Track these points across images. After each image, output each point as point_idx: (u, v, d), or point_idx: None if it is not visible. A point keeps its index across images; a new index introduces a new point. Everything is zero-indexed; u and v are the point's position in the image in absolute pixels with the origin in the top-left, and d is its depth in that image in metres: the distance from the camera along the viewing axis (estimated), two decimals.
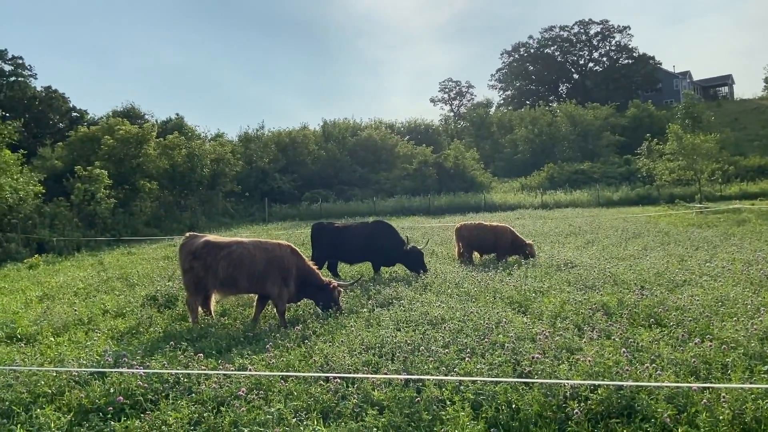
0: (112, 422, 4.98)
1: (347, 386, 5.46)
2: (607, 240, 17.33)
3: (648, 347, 6.34)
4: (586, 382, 5.06)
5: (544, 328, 7.08)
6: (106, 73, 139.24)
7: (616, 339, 6.62)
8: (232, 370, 5.84)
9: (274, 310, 9.09)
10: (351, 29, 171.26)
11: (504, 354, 6.08)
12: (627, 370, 5.39)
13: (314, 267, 9.48)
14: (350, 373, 5.80)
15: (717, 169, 31.83)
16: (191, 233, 9.53)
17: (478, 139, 64.30)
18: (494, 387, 5.20)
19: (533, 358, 5.78)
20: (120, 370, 5.94)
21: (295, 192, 44.84)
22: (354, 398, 5.20)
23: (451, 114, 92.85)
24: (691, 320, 7.39)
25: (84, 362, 6.46)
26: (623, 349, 5.99)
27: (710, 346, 6.16)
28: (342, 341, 6.90)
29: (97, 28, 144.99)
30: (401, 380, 5.44)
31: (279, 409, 4.74)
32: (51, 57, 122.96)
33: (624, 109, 63.08)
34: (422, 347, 6.45)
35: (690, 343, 6.39)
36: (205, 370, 5.94)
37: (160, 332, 8.26)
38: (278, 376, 5.58)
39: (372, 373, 5.78)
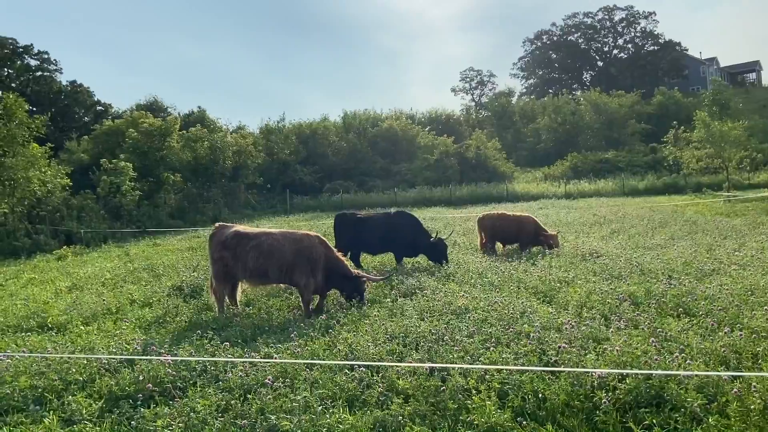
0: (142, 409, 5.07)
1: (372, 375, 5.47)
2: (633, 229, 17.07)
3: (676, 337, 6.24)
4: (614, 371, 5.00)
5: (569, 318, 7.01)
6: (129, 67, 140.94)
7: (644, 329, 6.52)
8: (258, 359, 5.90)
9: (299, 300, 9.14)
10: (369, 20, 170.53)
11: (529, 343, 6.03)
12: (656, 359, 5.31)
13: (342, 257, 9.52)
14: (375, 362, 5.81)
15: (745, 157, 31.14)
16: (221, 223, 9.65)
17: (500, 128, 63.65)
18: (520, 376, 5.17)
19: (559, 347, 5.73)
20: (149, 357, 6.04)
21: (317, 184, 45.00)
22: (379, 387, 5.22)
23: (473, 103, 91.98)
24: (720, 309, 7.24)
25: (114, 350, 6.59)
26: (651, 339, 5.90)
27: (740, 335, 6.05)
28: (366, 330, 6.92)
29: (120, 23, 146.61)
30: (426, 369, 5.44)
31: (305, 396, 4.78)
32: (75, 52, 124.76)
33: (649, 96, 61.87)
34: (446, 337, 6.44)
35: (719, 333, 6.27)
36: (231, 358, 6.00)
37: (186, 322, 8.38)
38: (303, 365, 5.63)
39: (396, 362, 5.78)
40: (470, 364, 5.61)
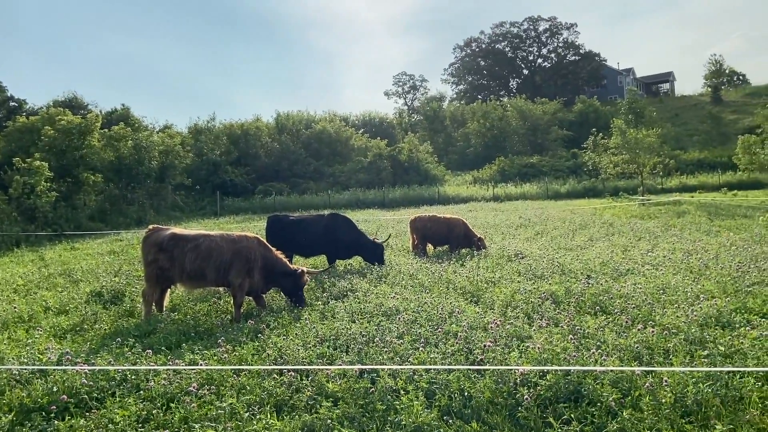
0: (56, 421, 4.81)
1: (301, 379, 5.43)
2: (555, 231, 17.79)
3: (594, 334, 6.56)
4: (536, 368, 5.19)
5: (495, 317, 7.21)
6: (47, 61, 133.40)
7: (564, 326, 6.82)
8: (182, 366, 5.72)
9: (228, 304, 8.96)
10: (305, 20, 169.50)
11: (457, 343, 6.17)
12: (574, 356, 5.56)
13: (281, 256, 9.49)
14: (304, 365, 5.77)
15: (658, 163, 33.09)
16: (155, 226, 9.43)
17: (431, 132, 64.77)
18: (447, 375, 5.28)
19: (485, 346, 5.89)
20: (63, 367, 5.73)
21: (248, 185, 44.19)
22: (308, 391, 5.19)
23: (405, 107, 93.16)
24: (634, 307, 7.68)
25: (25, 360, 6.20)
26: (570, 336, 6.18)
27: (652, 332, 6.41)
28: (296, 334, 6.86)
29: (38, 14, 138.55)
30: (356, 372, 5.45)
31: (231, 403, 4.68)
32: None
33: (571, 104, 64.83)
34: (377, 338, 6.48)
35: (633, 330, 6.64)
36: (153, 366, 5.79)
37: (105, 329, 8.01)
38: (230, 371, 5.51)
39: (326, 366, 5.77)
40: (399, 365, 5.67)
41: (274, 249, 9.56)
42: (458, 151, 58.37)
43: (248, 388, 5.20)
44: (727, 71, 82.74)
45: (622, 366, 5.53)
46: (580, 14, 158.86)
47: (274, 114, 56.69)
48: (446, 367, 5.34)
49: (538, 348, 5.69)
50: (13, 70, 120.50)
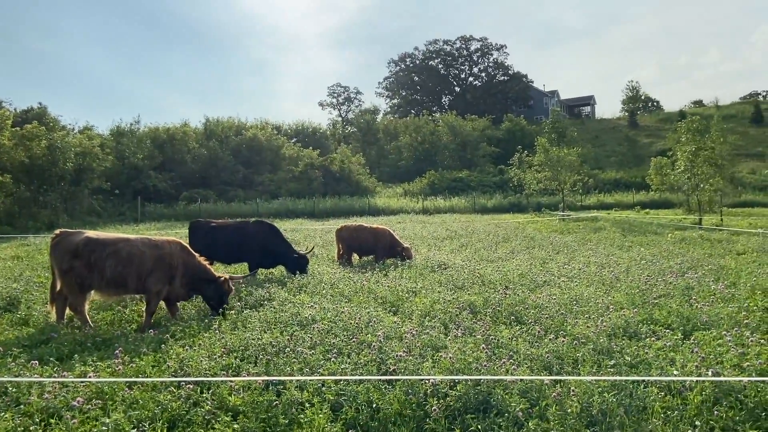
0: None
1: (201, 392, 5.10)
2: (480, 244, 18.08)
3: (507, 344, 6.57)
4: (445, 377, 5.11)
5: (412, 327, 7.12)
6: None
7: (479, 336, 6.81)
8: (70, 378, 5.25)
9: (138, 312, 8.43)
10: (238, 28, 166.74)
11: (370, 353, 6.01)
12: (485, 365, 5.52)
13: (205, 262, 9.07)
14: (206, 377, 5.44)
15: (578, 181, 34.49)
16: (63, 230, 8.67)
17: (364, 144, 65.02)
18: (356, 387, 5.10)
19: (397, 356, 5.77)
20: None
21: (172, 191, 42.61)
22: (207, 404, 4.87)
23: (339, 119, 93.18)
24: (547, 318, 7.80)
25: None
26: (482, 345, 6.16)
27: (563, 341, 6.51)
28: (201, 345, 6.48)
29: None
30: (260, 384, 5.18)
31: (116, 419, 4.30)
32: None
33: (499, 122, 66.86)
34: (288, 349, 6.23)
35: (545, 339, 6.72)
36: (35, 378, 5.28)
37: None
38: (123, 384, 5.10)
39: (230, 377, 5.47)
40: (309, 374, 5.45)
41: (197, 255, 9.13)
42: (390, 163, 58.81)
43: (140, 402, 4.81)
44: (642, 97, 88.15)
45: (531, 375, 5.55)
46: (509, 36, 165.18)
47: (203, 119, 54.94)
48: (351, 377, 5.16)
49: (450, 358, 5.62)
50: None
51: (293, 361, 5.84)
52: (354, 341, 6.50)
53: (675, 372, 5.56)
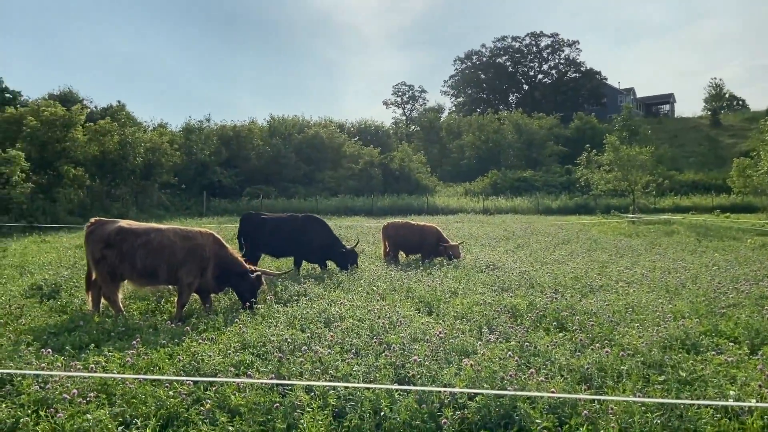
0: None
1: (205, 389, 4.84)
2: (537, 245, 17.25)
3: (544, 352, 5.98)
4: (455, 389, 4.61)
5: (441, 329, 6.63)
6: (49, 57, 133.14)
7: (513, 342, 6.24)
8: (79, 370, 5.12)
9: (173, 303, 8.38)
10: (308, 29, 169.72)
11: (389, 356, 5.58)
12: (512, 376, 4.97)
13: (237, 255, 8.97)
14: (215, 375, 5.19)
15: (651, 182, 32.63)
16: (98, 219, 8.72)
17: (427, 143, 64.41)
18: (365, 392, 4.70)
19: (417, 361, 5.30)
20: None
21: (237, 187, 43.65)
22: (208, 403, 4.60)
23: (403, 117, 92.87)
24: (595, 325, 7.11)
25: None
26: (509, 353, 5.57)
27: (608, 352, 5.85)
28: (216, 339, 6.24)
29: (41, 9, 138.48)
30: (267, 383, 4.87)
31: (98, 416, 4.07)
32: None
33: (569, 120, 64.48)
34: (304, 347, 5.90)
35: (588, 349, 6.08)
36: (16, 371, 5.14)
37: (26, 325, 7.37)
38: (112, 379, 4.90)
39: (242, 375, 5.20)
40: (319, 376, 5.10)
41: (230, 247, 9.01)
42: (452, 162, 57.96)
43: (140, 396, 4.60)
44: (726, 95, 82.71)
45: (566, 389, 4.96)
46: (583, 33, 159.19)
47: (268, 117, 55.97)
48: (343, 384, 4.74)
49: (471, 365, 5.10)
50: (12, 62, 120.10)
51: (308, 360, 5.50)
52: (375, 342, 6.09)
53: (732, 392, 4.82)
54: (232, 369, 5.31)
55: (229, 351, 5.84)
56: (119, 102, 48.19)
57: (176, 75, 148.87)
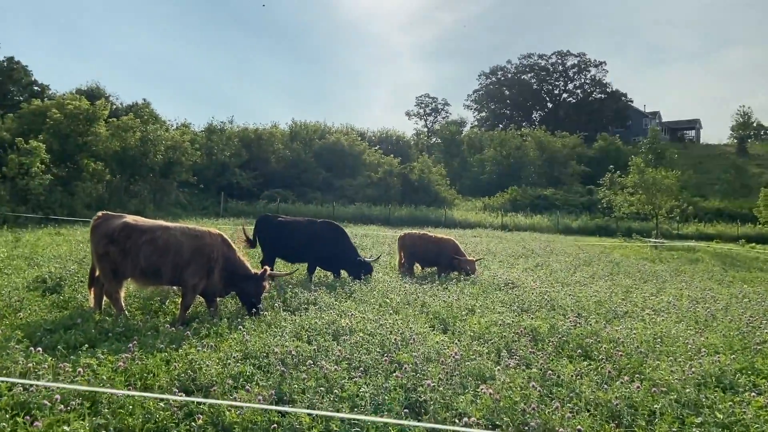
0: None
1: (198, 403, 4.46)
2: (557, 265, 16.70)
3: (569, 382, 5.52)
4: (465, 430, 4.16)
5: (457, 350, 6.19)
6: (79, 52, 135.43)
7: (535, 369, 5.77)
8: (67, 372, 4.76)
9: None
10: (335, 38, 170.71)
11: (401, 377, 5.15)
12: (534, 408, 4.52)
13: (243, 258, 8.59)
14: (211, 386, 4.81)
15: (675, 207, 31.82)
16: (105, 212, 8.39)
17: (447, 155, 63.91)
18: (376, 415, 4.28)
19: (430, 385, 4.86)
20: None
21: (255, 189, 43.55)
22: (201, 418, 4.21)
23: (425, 129, 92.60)
24: (623, 355, 6.61)
25: None
26: (533, 384, 5.10)
27: (638, 387, 5.37)
28: (212, 345, 5.86)
29: (72, 5, 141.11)
30: (267, 398, 4.48)
31: (78, 427, 3.70)
32: (20, 30, 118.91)
33: (592, 141, 63.64)
34: (309, 361, 5.49)
35: (617, 382, 5.59)
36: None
37: (22, 319, 7.07)
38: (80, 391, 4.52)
39: (240, 388, 4.81)
40: (323, 395, 4.68)
41: (237, 249, 8.66)
42: (472, 176, 57.36)
43: (126, 407, 4.23)
44: (754, 124, 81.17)
45: (593, 426, 4.51)
46: (610, 54, 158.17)
47: (289, 122, 55.99)
48: (345, 415, 4.31)
49: (493, 394, 4.65)
50: (42, 56, 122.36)
51: (311, 375, 5.10)
52: (386, 360, 5.67)
53: None
54: (230, 381, 4.92)
55: (228, 360, 5.46)
56: (144, 100, 48.61)
57: (203, 76, 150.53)
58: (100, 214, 8.33)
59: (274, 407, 4.21)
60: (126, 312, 7.81)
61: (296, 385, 4.85)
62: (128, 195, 32.48)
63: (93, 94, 46.48)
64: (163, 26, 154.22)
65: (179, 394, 4.44)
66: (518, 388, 4.93)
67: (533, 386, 5.00)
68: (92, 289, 8.08)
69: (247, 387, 4.73)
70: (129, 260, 7.78)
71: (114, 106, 48.10)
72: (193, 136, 42.07)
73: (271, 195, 42.21)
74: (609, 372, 5.95)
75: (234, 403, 4.25)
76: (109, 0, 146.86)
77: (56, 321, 6.95)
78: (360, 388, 4.80)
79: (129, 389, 4.49)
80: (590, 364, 6.31)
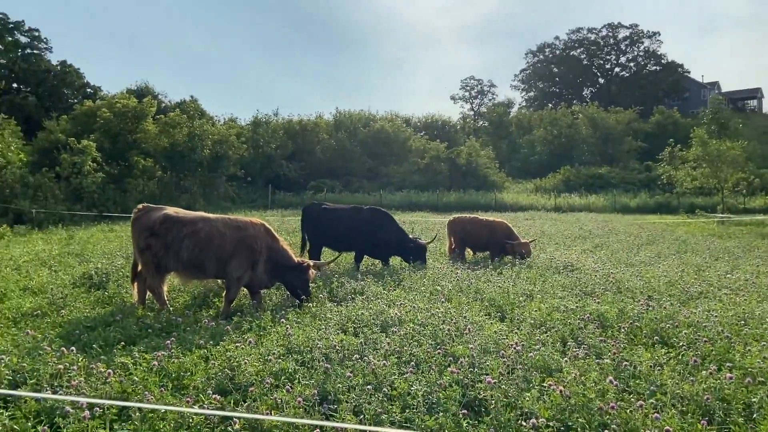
0: None
1: (235, 405, 4.08)
2: (618, 245, 15.75)
3: (647, 374, 4.88)
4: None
5: (518, 340, 5.62)
6: (129, 54, 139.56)
7: (607, 360, 5.15)
8: (99, 373, 4.47)
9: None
10: (374, 27, 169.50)
11: (456, 372, 4.64)
12: (612, 407, 3.93)
13: (287, 247, 8.26)
14: (250, 385, 4.43)
15: (742, 179, 29.86)
16: (145, 205, 8.20)
17: (495, 138, 62.43)
18: (431, 419, 3.79)
19: (489, 382, 4.32)
20: None
21: (301, 180, 43.75)
22: (237, 422, 3.82)
23: (471, 112, 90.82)
24: (706, 341, 5.89)
25: None
26: (610, 379, 4.45)
27: (730, 378, 4.68)
28: (250, 342, 5.47)
29: (122, 8, 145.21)
30: (316, 396, 4.06)
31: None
32: (72, 34, 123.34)
33: (648, 115, 60.82)
34: (356, 356, 5.05)
35: (702, 372, 4.91)
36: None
37: (63, 317, 6.90)
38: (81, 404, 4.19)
39: (282, 386, 4.42)
40: (371, 393, 4.22)
41: (281, 239, 8.32)
42: (522, 158, 55.79)
43: (158, 411, 3.88)
44: None
45: (683, 425, 3.89)
46: (664, 24, 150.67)
47: (333, 112, 55.92)
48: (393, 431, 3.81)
49: (563, 391, 4.08)
50: (95, 59, 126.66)
51: (357, 371, 4.65)
52: (439, 353, 5.16)
53: None
54: (271, 379, 4.52)
55: (270, 356, 5.07)
56: (192, 97, 49.47)
57: (248, 71, 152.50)
58: (140, 206, 8.13)
59: (314, 422, 3.77)
60: (169, 306, 7.59)
61: (341, 384, 4.40)
62: (179, 190, 33.02)
63: (142, 93, 47.58)
64: (209, 26, 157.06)
65: (214, 396, 4.06)
66: (592, 383, 4.34)
67: (611, 381, 4.37)
68: (135, 283, 7.90)
69: (288, 387, 4.31)
70: (171, 253, 7.55)
71: (163, 104, 49.22)
72: (240, 130, 42.46)
73: (318, 185, 42.26)
74: (692, 360, 5.26)
75: (269, 417, 3.81)
76: (156, 3, 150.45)
77: (97, 318, 6.76)
78: (411, 386, 4.31)
79: (162, 391, 4.15)
80: (669, 352, 5.63)
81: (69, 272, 10.02)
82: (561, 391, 4.07)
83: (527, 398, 4.15)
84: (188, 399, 4.04)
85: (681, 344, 5.84)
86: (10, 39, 53.97)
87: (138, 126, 30.07)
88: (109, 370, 4.42)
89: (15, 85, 54.31)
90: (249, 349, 5.22)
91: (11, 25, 54.02)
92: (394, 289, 8.55)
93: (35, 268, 10.84)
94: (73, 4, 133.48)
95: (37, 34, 55.87)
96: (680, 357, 5.45)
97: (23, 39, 55.01)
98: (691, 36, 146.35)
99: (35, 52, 55.72)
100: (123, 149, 29.59)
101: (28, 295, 8.32)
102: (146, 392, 4.09)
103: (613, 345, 5.66)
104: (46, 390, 4.11)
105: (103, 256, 12.27)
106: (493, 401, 4.11)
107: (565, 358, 5.17)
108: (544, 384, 4.53)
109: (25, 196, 22.37)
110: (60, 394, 4.00)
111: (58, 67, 56.04)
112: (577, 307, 7.29)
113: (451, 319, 6.35)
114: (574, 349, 5.44)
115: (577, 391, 4.13)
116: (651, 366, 5.07)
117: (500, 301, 7.77)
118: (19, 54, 54.70)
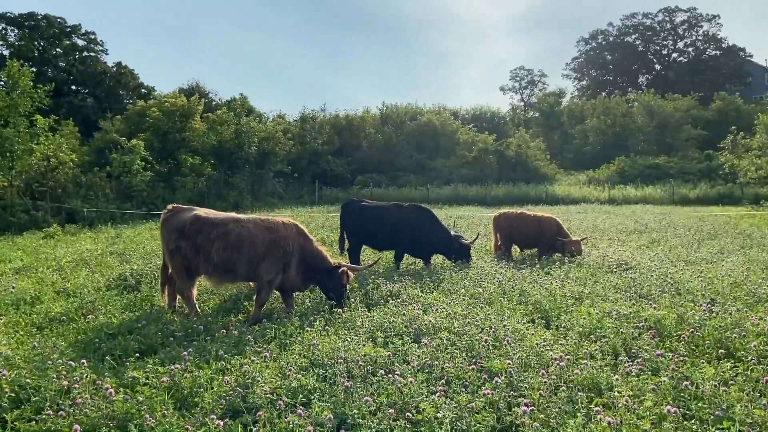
0: None
1: (254, 423, 3.74)
2: (677, 240, 14.75)
3: (713, 395, 4.27)
4: None
5: (563, 352, 5.08)
6: (182, 54, 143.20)
7: (665, 378, 4.55)
8: (105, 390, 4.22)
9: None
10: (424, 21, 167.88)
11: (490, 394, 4.15)
12: None
13: (322, 249, 7.94)
14: (264, 405, 4.08)
15: None
16: (175, 205, 8.02)
17: (546, 129, 60.70)
18: None
19: (524, 409, 3.80)
20: None
21: (348, 176, 43.68)
22: None
23: (521, 103, 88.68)
24: None
25: None
26: (668, 406, 3.86)
27: None
28: (266, 356, 5.08)
29: (175, 10, 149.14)
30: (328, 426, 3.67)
31: None
32: (126, 35, 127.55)
33: (708, 102, 57.77)
34: (382, 370, 4.64)
35: None
36: None
37: (88, 324, 6.74)
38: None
39: (301, 406, 4.05)
40: (394, 418, 3.81)
41: (315, 239, 7.99)
42: (574, 149, 54.02)
43: (167, 429, 3.58)
44: None
45: None
46: (723, 6, 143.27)
47: (380, 106, 55.46)
48: None
49: (610, 423, 3.54)
50: (148, 61, 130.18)
51: (381, 390, 4.24)
52: (474, 368, 4.69)
53: None
54: (286, 398, 4.16)
55: (289, 370, 4.71)
56: (241, 94, 50.13)
57: (298, 68, 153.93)
58: (170, 207, 7.94)
59: None
60: (198, 310, 7.38)
61: (361, 407, 3.99)
62: (227, 187, 33.43)
63: (193, 92, 48.54)
64: (261, 24, 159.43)
65: (217, 423, 3.72)
66: (646, 411, 3.78)
67: (669, 410, 3.78)
68: (165, 287, 7.73)
69: (299, 411, 3.91)
70: (201, 256, 7.33)
71: (213, 102, 50.12)
72: (287, 126, 42.71)
73: (364, 180, 42.08)
74: (765, 379, 4.60)
75: None
76: (209, 3, 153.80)
77: (120, 324, 6.58)
78: (439, 410, 3.86)
79: (165, 414, 3.84)
80: (736, 366, 4.97)
81: (106, 273, 10.00)
82: (609, 423, 3.54)
83: (570, 426, 3.64)
84: (188, 426, 3.71)
85: (750, 358, 5.16)
86: (67, 42, 56.17)
87: (186, 124, 30.54)
88: (110, 390, 4.14)
89: (74, 87, 56.49)
90: (268, 363, 4.88)
91: (68, 29, 56.20)
92: (432, 292, 8.09)
93: (76, 268, 10.92)
94: (127, 6, 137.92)
95: (93, 37, 57.96)
96: (749, 373, 4.80)
97: (80, 42, 57.15)
98: (753, 19, 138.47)
99: (92, 54, 57.83)
100: (172, 148, 30.13)
101: (62, 298, 8.28)
102: (147, 415, 3.79)
103: (671, 359, 5.05)
104: (47, 409, 3.87)
105: (142, 256, 12.29)
106: (530, 429, 3.61)
107: (616, 376, 4.60)
108: (591, 406, 4.01)
109: (77, 196, 23.00)
110: (61, 415, 3.76)
111: (114, 69, 57.95)
112: (630, 312, 6.65)
113: (490, 328, 5.85)
114: (626, 364, 4.86)
115: (628, 421, 3.59)
116: (715, 385, 4.45)
117: (546, 305, 7.20)
118: (76, 57, 56.88)
